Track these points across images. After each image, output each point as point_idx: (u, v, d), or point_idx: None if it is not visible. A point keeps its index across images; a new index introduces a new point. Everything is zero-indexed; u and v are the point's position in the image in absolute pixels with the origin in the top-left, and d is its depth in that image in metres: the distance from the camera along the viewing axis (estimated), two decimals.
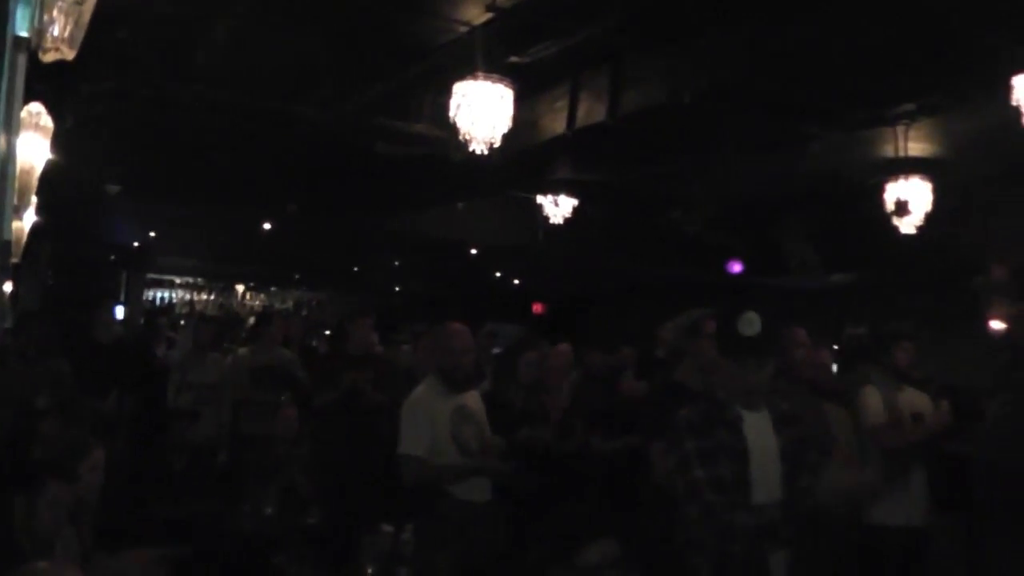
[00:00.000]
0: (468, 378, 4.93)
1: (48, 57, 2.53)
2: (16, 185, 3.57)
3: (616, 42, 6.49)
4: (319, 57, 6.91)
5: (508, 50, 6.15)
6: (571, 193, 9.44)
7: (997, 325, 10.08)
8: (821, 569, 4.14)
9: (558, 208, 9.47)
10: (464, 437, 4.64)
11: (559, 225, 9.56)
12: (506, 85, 5.72)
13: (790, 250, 12.34)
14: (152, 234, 16.30)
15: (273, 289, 24.81)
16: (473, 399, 4.92)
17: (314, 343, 11.57)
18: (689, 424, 3.24)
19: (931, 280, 12.10)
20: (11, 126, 2.49)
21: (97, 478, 3.87)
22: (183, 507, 5.32)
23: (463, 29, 6.04)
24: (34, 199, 5.80)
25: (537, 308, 21.90)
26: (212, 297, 23.74)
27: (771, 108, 6.85)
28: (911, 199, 7.59)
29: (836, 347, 7.82)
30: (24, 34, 2.34)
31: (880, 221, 7.81)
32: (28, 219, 6.91)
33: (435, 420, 4.64)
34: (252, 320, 15.89)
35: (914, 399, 5.05)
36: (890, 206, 7.68)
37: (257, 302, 24.19)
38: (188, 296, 23.39)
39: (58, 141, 5.08)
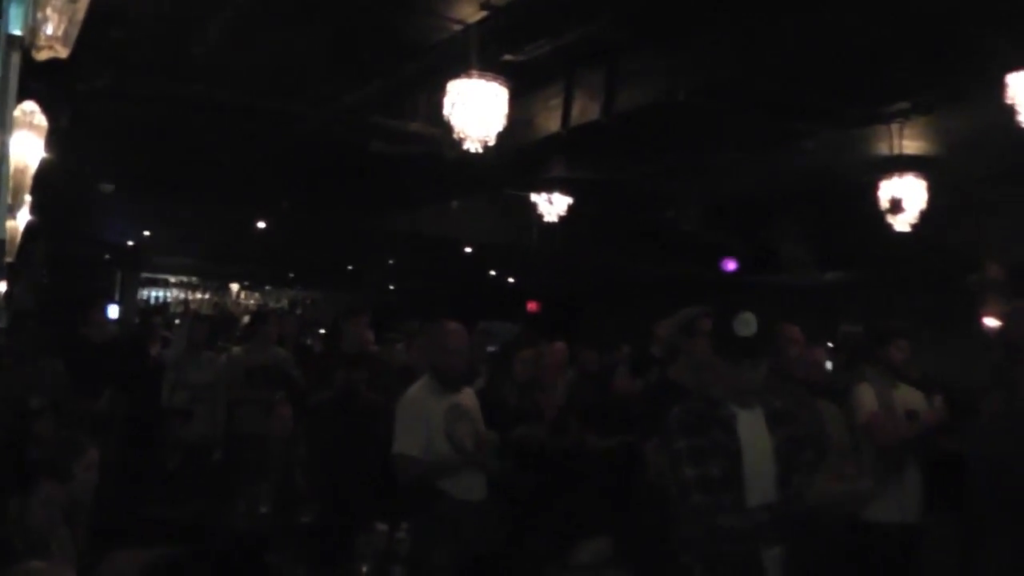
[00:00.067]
0: (462, 377, 4.93)
1: (42, 55, 2.52)
2: (10, 184, 3.56)
3: (610, 40, 6.48)
4: (313, 56, 6.90)
5: (502, 48, 6.14)
6: (565, 191, 9.44)
7: (991, 323, 10.11)
8: (816, 567, 4.15)
9: (552, 206, 9.45)
10: (459, 435, 4.64)
11: (553, 223, 9.55)
12: (500, 83, 5.71)
13: (784, 248, 12.36)
14: (146, 233, 16.30)
15: (268, 288, 24.80)
16: (468, 397, 4.92)
17: (309, 342, 11.57)
18: (681, 423, 3.24)
19: (925, 278, 12.12)
20: (5, 125, 2.48)
21: (91, 477, 3.87)
22: (178, 506, 5.31)
23: (457, 27, 6.04)
24: (28, 198, 5.76)
25: (532, 306, 21.88)
26: (207, 296, 23.72)
27: (765, 106, 6.86)
28: (905, 197, 7.59)
29: (830, 345, 7.84)
30: (17, 32, 2.33)
31: (874, 219, 7.81)
32: (22, 218, 6.87)
33: (429, 419, 4.64)
34: (247, 319, 15.85)
35: (909, 397, 5.06)
36: (884, 204, 7.68)
37: (252, 301, 24.16)
38: (183, 295, 23.36)
39: (52, 140, 5.07)
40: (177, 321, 16.04)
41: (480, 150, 5.76)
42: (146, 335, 10.75)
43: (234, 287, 24.10)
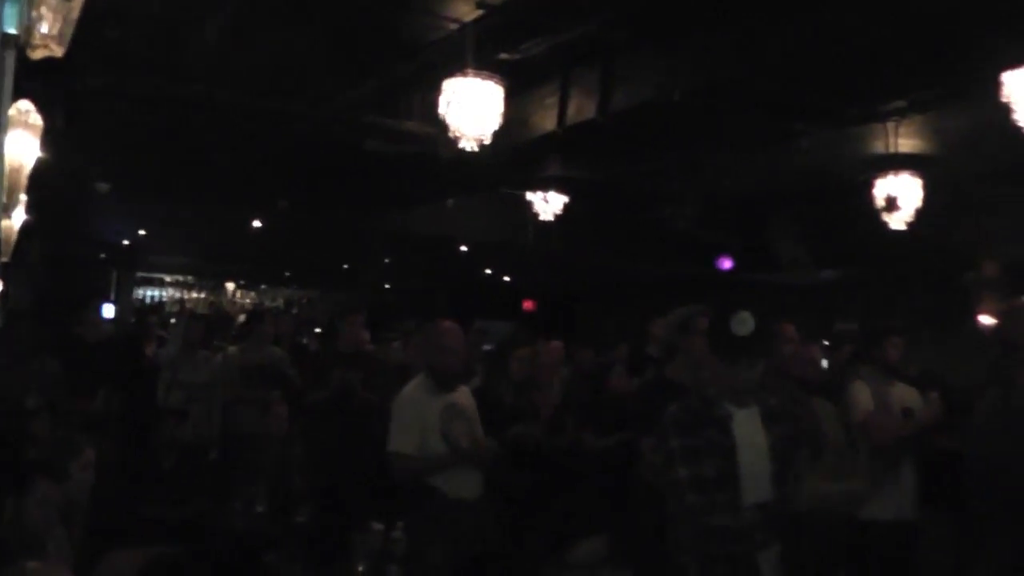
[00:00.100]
0: (458, 376, 4.93)
1: (37, 54, 2.52)
2: (5, 184, 3.56)
3: (606, 39, 6.48)
4: (309, 55, 6.89)
5: (498, 47, 6.15)
6: (561, 190, 9.44)
7: (987, 321, 10.14)
8: (811, 565, 4.15)
9: (548, 205, 9.45)
10: (454, 434, 4.63)
11: (549, 222, 9.55)
12: (496, 82, 5.71)
13: (780, 246, 12.36)
14: (142, 232, 16.28)
15: (263, 287, 24.82)
16: (464, 396, 4.91)
17: (304, 341, 11.55)
18: (675, 422, 3.24)
19: (921, 276, 12.14)
20: (0, 124, 2.48)
21: (88, 477, 3.86)
22: (174, 506, 5.30)
23: (453, 26, 6.04)
24: (24, 198, 5.76)
25: (527, 305, 21.89)
26: (202, 295, 23.72)
27: (761, 105, 6.86)
28: (901, 195, 7.60)
29: (826, 343, 7.84)
30: (12, 31, 2.33)
31: (870, 217, 7.82)
32: (18, 218, 6.86)
33: (425, 418, 4.63)
34: (242, 318, 15.84)
35: (904, 394, 5.07)
36: (880, 202, 7.69)
37: (247, 300, 24.19)
38: (178, 294, 23.37)
39: (48, 139, 5.05)
40: (173, 320, 16.03)
41: (476, 149, 5.76)
42: (142, 334, 10.74)
43: (230, 286, 24.10)
